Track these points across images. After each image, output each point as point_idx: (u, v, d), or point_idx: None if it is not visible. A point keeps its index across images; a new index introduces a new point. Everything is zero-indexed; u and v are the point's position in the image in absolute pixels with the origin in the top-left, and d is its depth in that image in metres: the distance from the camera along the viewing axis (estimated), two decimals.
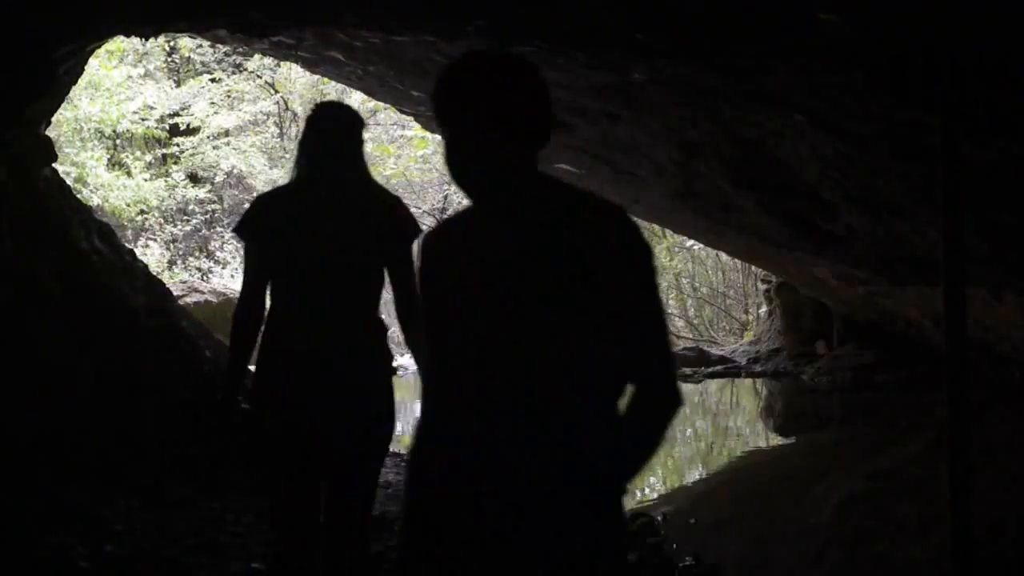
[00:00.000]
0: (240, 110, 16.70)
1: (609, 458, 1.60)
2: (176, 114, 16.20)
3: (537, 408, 1.58)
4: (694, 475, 7.09)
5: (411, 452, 1.76)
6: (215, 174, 16.92)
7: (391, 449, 6.08)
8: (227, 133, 17.87)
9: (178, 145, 16.56)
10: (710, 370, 11.59)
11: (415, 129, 17.67)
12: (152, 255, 14.87)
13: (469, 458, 1.61)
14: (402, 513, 1.78)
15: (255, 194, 18.09)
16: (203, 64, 17.66)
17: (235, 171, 17.88)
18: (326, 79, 12.86)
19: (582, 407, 1.61)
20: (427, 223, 23.15)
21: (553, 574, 1.57)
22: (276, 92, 19.72)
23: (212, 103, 16.49)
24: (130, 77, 15.39)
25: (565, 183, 1.74)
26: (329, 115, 3.07)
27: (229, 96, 17.00)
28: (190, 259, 16.20)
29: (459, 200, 22.41)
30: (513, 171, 1.65)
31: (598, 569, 1.60)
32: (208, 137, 16.58)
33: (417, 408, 8.58)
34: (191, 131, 16.54)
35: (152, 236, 16.11)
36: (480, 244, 1.69)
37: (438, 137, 14.13)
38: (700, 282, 17.71)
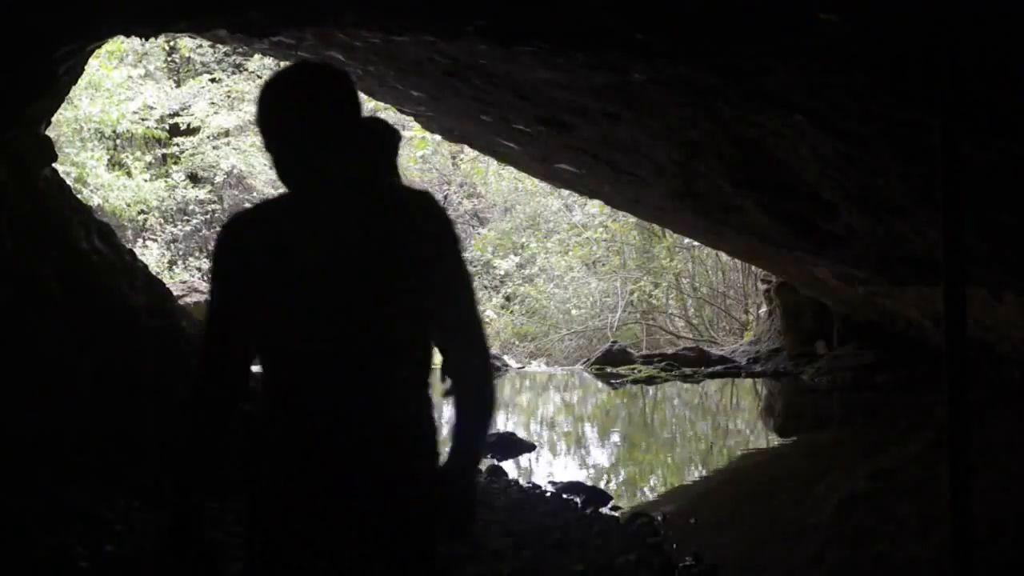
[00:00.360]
0: (240, 110, 16.69)
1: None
2: (176, 114, 16.20)
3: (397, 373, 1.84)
4: (694, 475, 7.10)
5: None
6: (215, 174, 16.93)
7: None
8: (227, 133, 17.87)
9: (178, 145, 16.56)
10: (710, 370, 11.59)
11: (415, 129, 17.68)
12: (152, 255, 14.86)
13: (329, 424, 1.80)
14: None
15: (254, 194, 18.18)
16: (203, 64, 17.66)
17: (235, 171, 17.88)
18: None
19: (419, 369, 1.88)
20: None
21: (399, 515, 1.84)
22: None
23: (212, 103, 16.49)
24: (130, 77, 15.39)
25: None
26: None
27: (229, 96, 16.99)
28: (190, 259, 16.20)
29: (459, 200, 22.42)
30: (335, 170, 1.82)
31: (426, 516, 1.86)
32: (208, 137, 16.58)
33: None
34: (191, 131, 16.53)
35: (152, 236, 16.11)
36: (313, 236, 1.81)
37: (438, 137, 14.16)
38: (700, 282, 17.70)
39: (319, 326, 1.85)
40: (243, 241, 1.91)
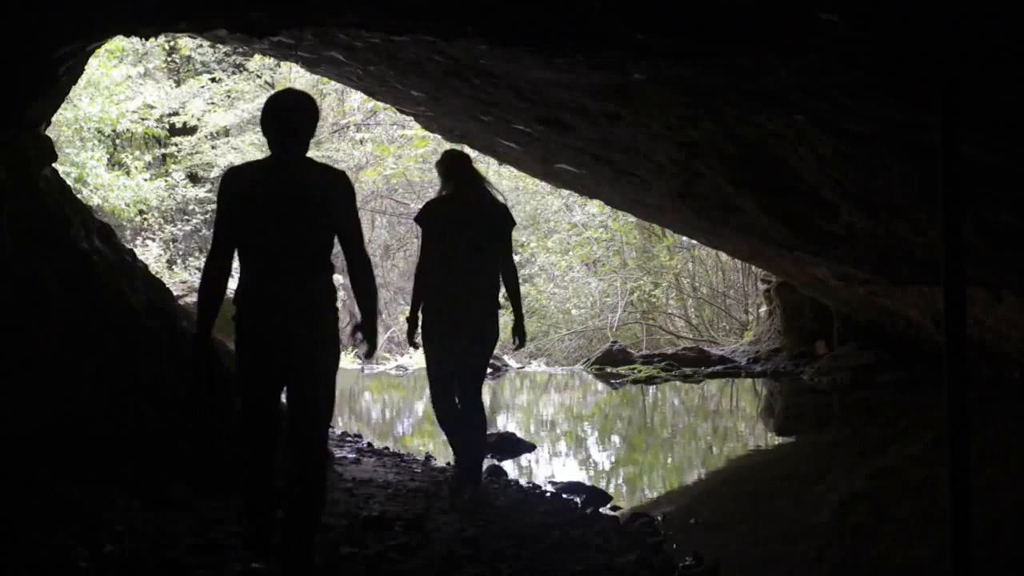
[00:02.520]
0: (238, 108, 16.69)
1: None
2: (175, 113, 16.18)
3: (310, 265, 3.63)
4: (694, 475, 7.10)
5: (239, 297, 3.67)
6: (214, 173, 16.95)
7: (391, 450, 6.11)
8: (227, 133, 17.86)
9: (176, 145, 16.56)
10: (710, 370, 11.59)
11: (415, 129, 17.69)
12: (151, 255, 14.86)
13: (279, 311, 3.57)
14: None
15: None
16: (203, 64, 17.66)
17: None
18: (325, 79, 12.86)
19: (324, 264, 3.65)
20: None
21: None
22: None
23: (211, 103, 16.49)
24: (130, 77, 15.38)
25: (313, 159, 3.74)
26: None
27: (229, 96, 17.00)
28: (190, 259, 16.19)
29: None
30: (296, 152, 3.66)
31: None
32: (206, 136, 16.58)
33: (419, 407, 8.54)
34: (190, 130, 16.54)
35: (151, 236, 16.11)
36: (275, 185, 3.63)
37: (438, 136, 14.16)
38: (700, 282, 17.71)
39: (272, 235, 3.56)
40: (235, 182, 3.65)
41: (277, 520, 3.63)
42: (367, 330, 3.79)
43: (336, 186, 3.66)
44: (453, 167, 5.37)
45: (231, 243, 3.62)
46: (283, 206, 3.57)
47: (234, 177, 3.67)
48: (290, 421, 3.66)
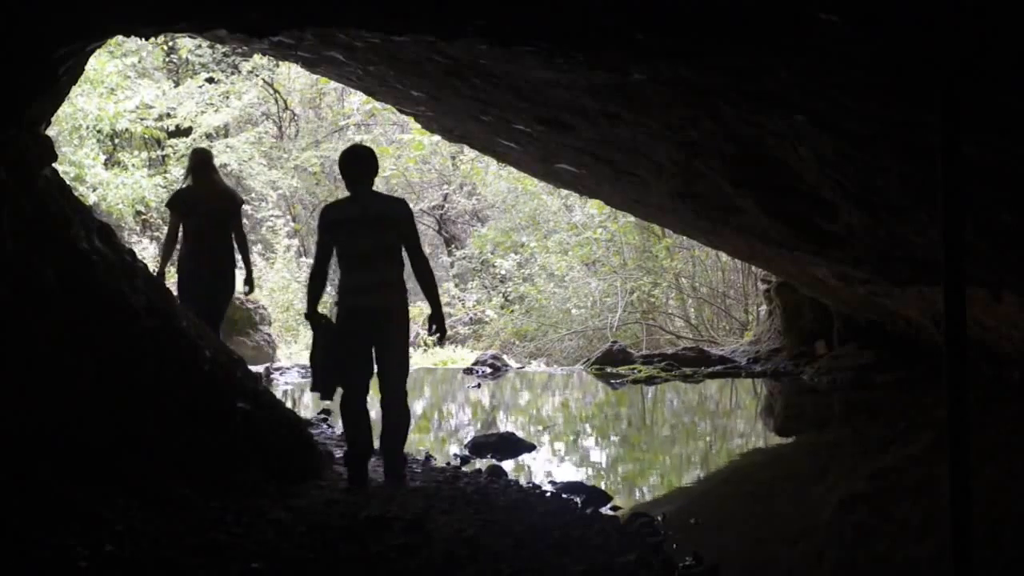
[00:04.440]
0: (229, 106, 16.68)
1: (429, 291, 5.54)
2: (170, 115, 16.15)
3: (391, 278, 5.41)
4: (694, 475, 7.10)
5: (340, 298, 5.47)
6: None
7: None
8: (226, 134, 17.86)
9: (172, 146, 16.55)
10: (710, 370, 11.59)
11: (414, 131, 17.71)
12: (149, 254, 14.87)
13: (367, 298, 5.33)
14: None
15: (252, 195, 18.17)
16: (202, 64, 17.66)
17: (233, 172, 17.87)
18: (325, 79, 12.85)
19: (396, 263, 5.42)
20: (427, 222, 23.15)
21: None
22: (275, 92, 19.72)
23: (211, 103, 16.48)
24: (128, 77, 15.36)
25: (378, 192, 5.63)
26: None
27: (227, 96, 17.00)
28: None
29: (458, 199, 22.43)
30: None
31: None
32: (203, 136, 16.57)
33: (419, 407, 8.53)
34: (184, 132, 16.53)
35: (151, 235, 16.11)
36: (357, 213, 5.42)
37: (435, 140, 14.03)
38: (700, 282, 17.72)
39: (360, 249, 5.35)
40: (330, 213, 5.54)
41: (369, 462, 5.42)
42: (436, 318, 5.49)
43: (399, 209, 5.49)
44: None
45: (329, 254, 5.48)
46: (365, 225, 5.35)
47: (330, 208, 5.65)
48: (382, 376, 5.41)
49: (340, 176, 5.64)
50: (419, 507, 4.87)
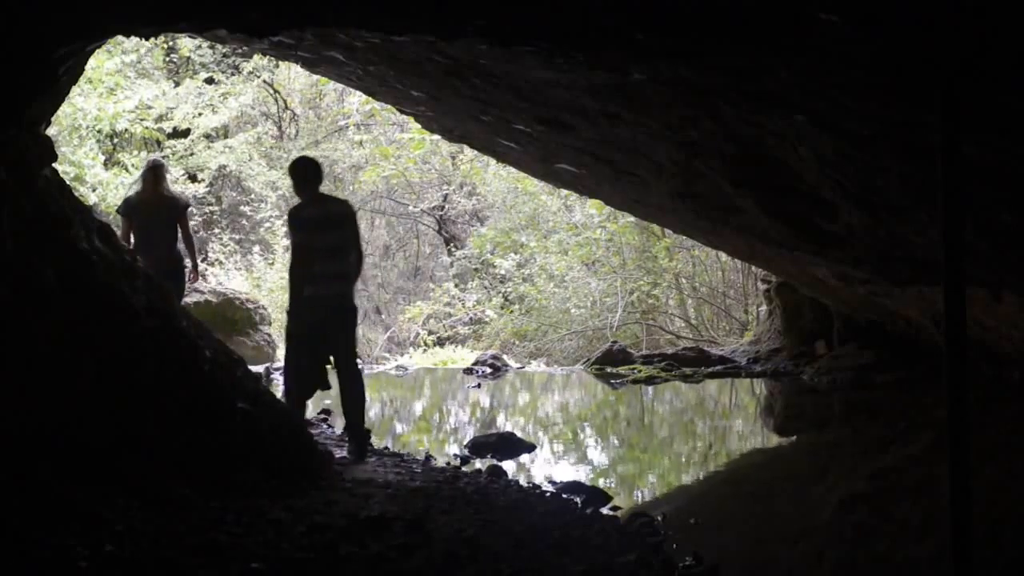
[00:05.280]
0: (228, 107, 16.67)
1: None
2: (166, 116, 16.13)
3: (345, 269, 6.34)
4: (694, 475, 7.10)
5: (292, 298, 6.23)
6: (211, 174, 16.96)
7: (391, 450, 6.15)
8: (226, 134, 17.86)
9: (171, 147, 16.54)
10: (710, 370, 11.59)
11: (413, 131, 17.71)
12: None
13: (323, 292, 6.17)
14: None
15: (252, 196, 18.18)
16: (202, 64, 17.66)
17: (232, 172, 17.86)
18: (324, 79, 12.85)
19: (348, 256, 6.37)
20: (427, 221, 23.14)
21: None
22: (275, 92, 19.72)
23: (210, 104, 16.48)
24: (127, 76, 15.35)
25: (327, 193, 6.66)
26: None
27: (227, 97, 16.99)
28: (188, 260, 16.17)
29: (458, 199, 22.43)
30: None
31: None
32: (202, 137, 16.56)
33: (419, 407, 8.52)
34: (182, 133, 16.53)
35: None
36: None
37: (436, 137, 14.12)
38: (700, 282, 17.71)
39: (322, 245, 6.18)
40: (300, 213, 6.30)
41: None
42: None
43: (349, 209, 6.54)
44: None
45: (307, 253, 6.20)
46: (326, 224, 6.25)
47: (299, 210, 6.35)
48: (337, 355, 6.35)
49: (294, 182, 6.53)
50: (419, 507, 4.88)
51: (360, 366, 6.66)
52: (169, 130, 16.27)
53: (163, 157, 16.92)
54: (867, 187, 5.72)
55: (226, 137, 17.84)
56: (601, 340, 15.77)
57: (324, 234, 6.23)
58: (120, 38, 14.67)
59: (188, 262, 8.40)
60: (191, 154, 16.61)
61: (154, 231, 7.95)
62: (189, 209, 8.56)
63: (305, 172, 6.44)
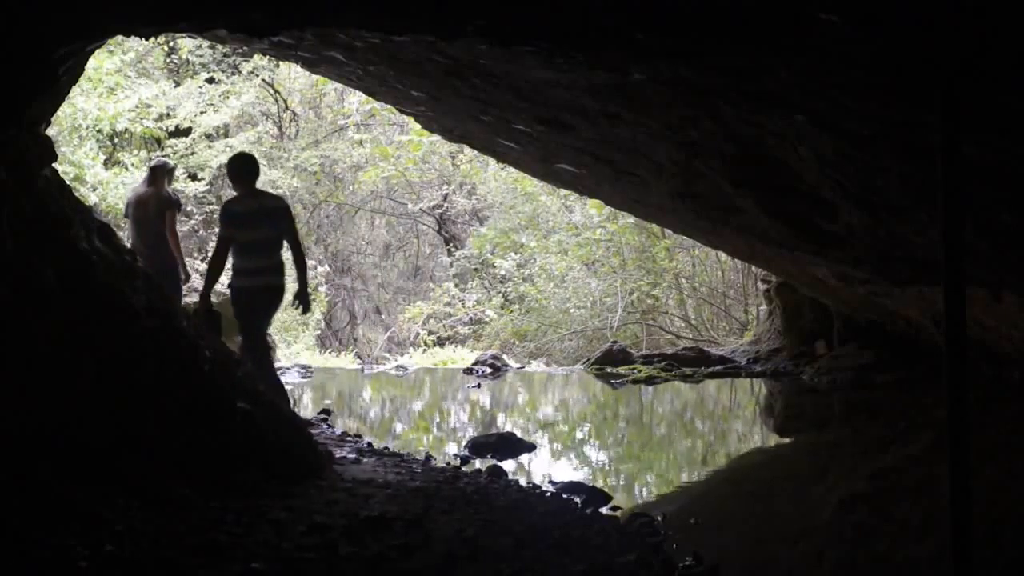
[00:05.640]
0: (229, 106, 16.66)
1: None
2: (168, 115, 16.12)
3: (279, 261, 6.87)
4: (694, 475, 7.10)
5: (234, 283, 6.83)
6: (211, 173, 16.94)
7: (391, 450, 6.17)
8: (226, 134, 17.84)
9: (172, 146, 16.54)
10: (710, 370, 11.59)
11: (412, 133, 17.71)
12: None
13: (254, 284, 6.68)
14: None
15: None
16: (202, 64, 17.65)
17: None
18: (324, 79, 12.84)
19: (279, 249, 6.85)
20: (426, 221, 23.14)
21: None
22: (275, 92, 19.72)
23: (210, 104, 16.47)
24: (128, 76, 15.33)
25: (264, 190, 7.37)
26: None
27: (227, 96, 16.98)
28: (188, 259, 16.17)
29: (458, 200, 22.43)
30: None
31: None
32: (202, 136, 16.55)
33: (419, 407, 8.57)
34: (183, 132, 16.52)
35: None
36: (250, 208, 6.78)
37: (435, 138, 14.07)
38: (700, 282, 17.71)
39: (252, 239, 6.66)
40: (234, 207, 6.76)
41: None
42: (303, 294, 6.95)
43: (284, 204, 7.03)
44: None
45: (229, 242, 6.67)
46: (261, 217, 6.69)
47: (228, 205, 6.80)
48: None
49: (230, 177, 7.10)
50: (419, 507, 4.88)
51: (273, 346, 7.78)
52: (171, 128, 16.26)
53: (164, 156, 16.95)
54: (867, 187, 5.71)
55: (227, 137, 17.82)
56: (601, 340, 15.78)
57: (255, 228, 6.66)
58: (120, 38, 14.67)
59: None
60: (192, 153, 16.60)
61: (143, 230, 8.32)
62: (182, 207, 8.95)
63: (241, 167, 6.89)
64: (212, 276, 6.74)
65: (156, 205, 8.38)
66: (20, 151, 4.65)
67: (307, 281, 7.02)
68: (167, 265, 8.17)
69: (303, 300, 6.95)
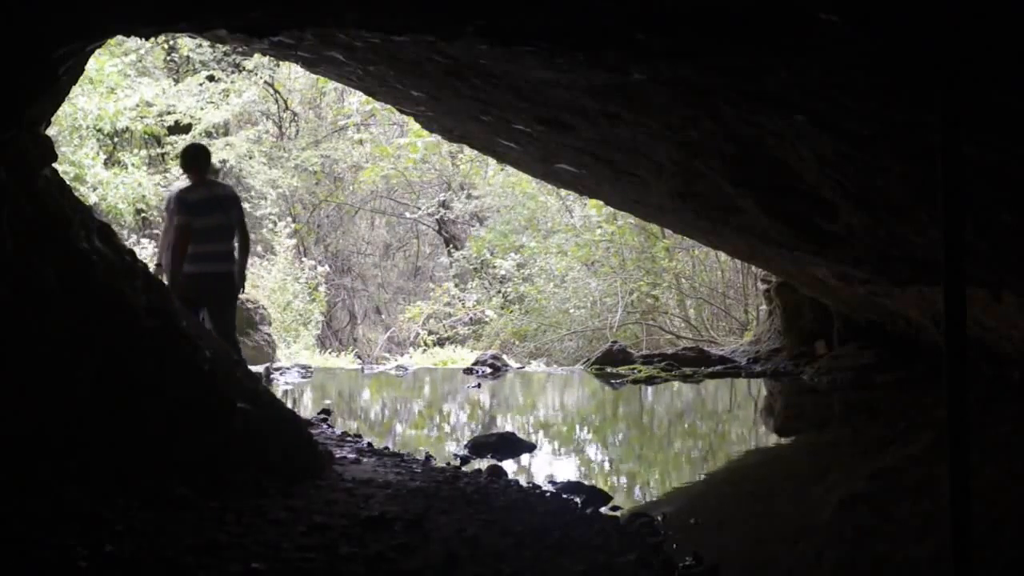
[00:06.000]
0: (229, 103, 16.66)
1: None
2: (168, 112, 16.13)
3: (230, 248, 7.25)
4: (694, 475, 7.10)
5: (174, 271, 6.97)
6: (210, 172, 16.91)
7: (391, 450, 6.16)
8: (226, 132, 17.84)
9: (171, 144, 16.54)
10: (710, 370, 11.59)
11: (411, 134, 17.72)
12: (148, 253, 14.86)
13: (206, 270, 7.02)
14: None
15: (252, 193, 18.17)
16: (202, 63, 17.65)
17: (233, 170, 17.84)
18: (324, 79, 12.84)
19: (231, 236, 7.25)
20: (427, 222, 23.14)
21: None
22: (276, 92, 19.72)
23: (211, 102, 16.47)
24: (127, 76, 15.34)
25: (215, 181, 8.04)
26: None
27: (228, 94, 16.99)
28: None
29: (457, 201, 22.44)
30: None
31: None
32: (202, 133, 16.55)
33: (419, 407, 8.57)
34: (183, 128, 16.52)
35: (149, 234, 16.09)
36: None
37: (434, 139, 14.02)
38: (700, 282, 17.71)
39: (206, 225, 7.03)
40: (182, 197, 7.10)
41: None
42: (241, 277, 7.37)
43: (233, 193, 7.54)
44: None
45: (188, 228, 6.97)
46: (213, 206, 7.08)
47: (177, 193, 7.17)
48: (216, 326, 6.93)
49: (183, 167, 7.38)
50: (419, 507, 4.88)
51: (240, 342, 7.75)
52: (170, 123, 16.26)
53: (163, 154, 16.96)
54: (867, 187, 5.72)
55: (227, 135, 17.82)
56: (601, 340, 15.77)
57: (208, 216, 7.06)
58: (121, 39, 14.68)
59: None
60: None
61: (214, 225, 8.62)
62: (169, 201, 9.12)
63: (194, 157, 7.27)
64: (177, 262, 6.87)
65: (225, 198, 8.91)
66: (20, 151, 4.65)
67: (246, 264, 7.63)
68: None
69: (240, 280, 7.50)
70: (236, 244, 7.32)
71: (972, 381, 3.49)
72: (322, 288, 18.62)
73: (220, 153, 16.82)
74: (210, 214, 7.03)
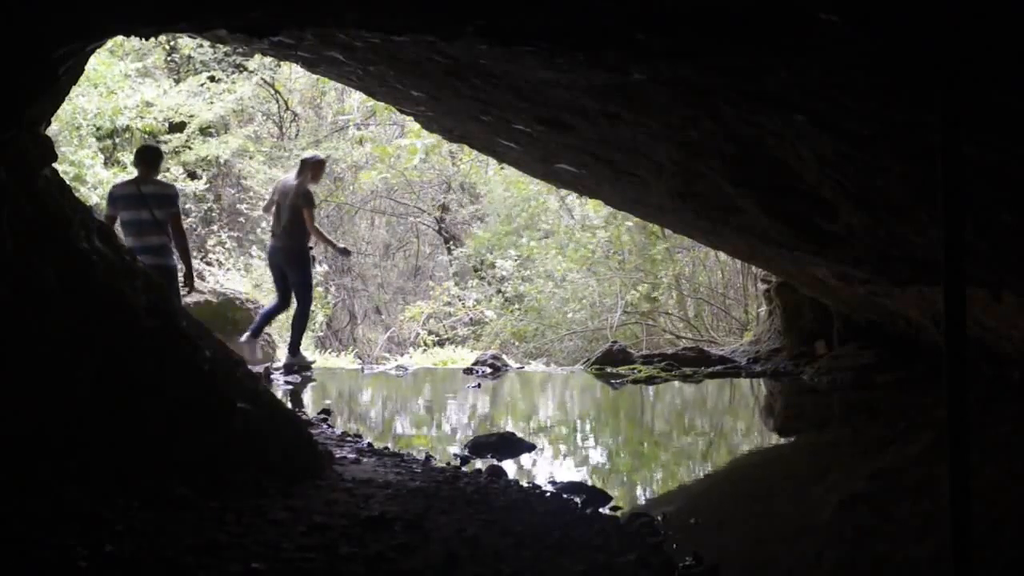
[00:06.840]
0: (223, 100, 16.65)
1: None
2: (171, 112, 16.13)
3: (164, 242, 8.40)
4: (694, 475, 7.10)
5: None
6: (210, 170, 16.93)
7: (391, 450, 6.16)
8: (226, 129, 17.83)
9: (166, 141, 16.54)
10: (710, 370, 11.58)
11: (410, 135, 17.71)
12: None
13: (148, 258, 7.60)
14: None
15: (251, 193, 18.16)
16: (203, 63, 17.65)
17: (233, 170, 17.84)
18: (324, 79, 12.83)
19: (165, 229, 8.37)
20: (427, 222, 23.12)
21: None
22: (276, 92, 19.73)
23: (211, 102, 16.47)
24: (128, 75, 15.34)
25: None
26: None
27: (227, 92, 16.98)
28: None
29: (458, 201, 22.44)
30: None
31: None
32: (197, 131, 16.55)
33: (419, 407, 8.55)
34: (178, 127, 16.52)
35: None
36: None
37: (433, 141, 13.99)
38: (700, 282, 17.71)
39: (133, 219, 8.22)
40: (116, 190, 8.51)
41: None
42: (188, 275, 8.48)
43: (172, 190, 8.54)
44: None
45: (116, 219, 8.15)
46: (136, 202, 8.10)
47: (117, 186, 8.47)
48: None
49: (135, 163, 8.52)
50: (419, 507, 4.88)
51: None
52: (169, 121, 16.25)
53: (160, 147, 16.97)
54: (867, 187, 5.72)
55: (226, 132, 17.81)
56: (601, 340, 15.77)
57: (135, 210, 8.13)
58: (129, 46, 14.70)
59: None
60: (184, 149, 16.59)
61: (281, 216, 10.48)
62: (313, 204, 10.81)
63: (139, 155, 8.51)
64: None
65: (294, 197, 9.94)
66: (20, 151, 4.65)
67: (191, 263, 8.65)
68: (297, 248, 10.03)
69: (189, 280, 8.56)
70: (168, 239, 8.25)
71: (972, 381, 3.49)
72: (322, 288, 18.61)
73: (218, 151, 16.81)
74: (136, 209, 8.12)
